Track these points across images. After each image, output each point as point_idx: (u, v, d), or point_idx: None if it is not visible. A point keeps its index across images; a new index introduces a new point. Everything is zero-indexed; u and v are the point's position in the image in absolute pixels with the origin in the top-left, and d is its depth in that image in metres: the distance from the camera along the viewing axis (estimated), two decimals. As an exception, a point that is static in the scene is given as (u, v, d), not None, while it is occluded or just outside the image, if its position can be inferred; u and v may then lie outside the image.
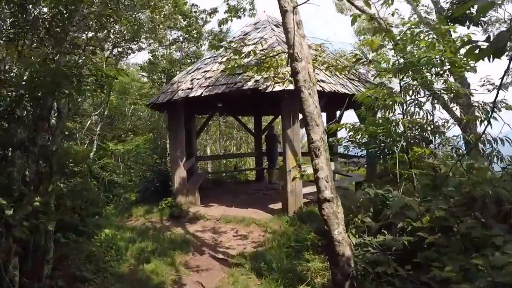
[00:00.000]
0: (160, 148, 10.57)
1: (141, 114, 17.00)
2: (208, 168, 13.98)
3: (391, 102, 4.91)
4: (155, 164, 10.35)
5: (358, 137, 5.57)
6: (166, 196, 8.16)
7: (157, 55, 14.87)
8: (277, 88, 6.16)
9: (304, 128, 4.38)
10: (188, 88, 7.40)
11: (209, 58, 8.77)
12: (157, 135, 13.98)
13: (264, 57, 5.92)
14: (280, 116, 11.78)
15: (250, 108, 12.04)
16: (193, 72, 8.16)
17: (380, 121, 5.26)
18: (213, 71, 7.65)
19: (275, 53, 5.97)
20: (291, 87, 6.01)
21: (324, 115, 9.56)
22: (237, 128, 17.82)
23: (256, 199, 8.87)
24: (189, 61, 13.34)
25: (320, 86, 6.86)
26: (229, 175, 12.32)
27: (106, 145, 10.60)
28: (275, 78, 6.28)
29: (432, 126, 5.19)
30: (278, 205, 7.41)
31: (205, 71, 7.80)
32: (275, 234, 5.97)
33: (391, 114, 5.32)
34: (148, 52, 14.61)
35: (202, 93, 7.00)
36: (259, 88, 6.33)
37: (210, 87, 7.01)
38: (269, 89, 6.23)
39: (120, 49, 12.33)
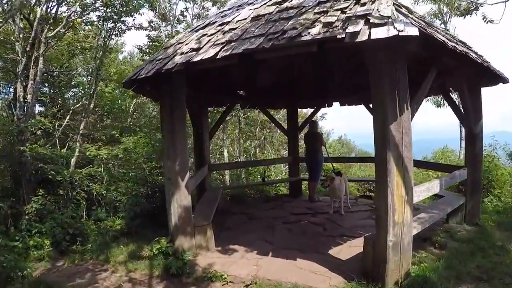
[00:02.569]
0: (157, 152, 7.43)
1: (148, 109, 14.02)
2: (225, 179, 10.81)
3: None
4: (151, 174, 7.22)
5: None
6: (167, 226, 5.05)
7: (161, 35, 11.83)
8: (381, 33, 2.93)
9: None
10: (192, 50, 4.13)
11: (229, 9, 5.52)
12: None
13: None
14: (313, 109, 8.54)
15: (285, 96, 8.79)
16: (202, 28, 4.90)
17: None
18: (237, 21, 4.39)
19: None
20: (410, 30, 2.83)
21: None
22: (261, 125, 14.56)
23: (304, 234, 5.64)
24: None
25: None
26: (253, 188, 9.08)
27: (86, 149, 7.54)
28: (370, 17, 3.09)
29: None
30: (345, 250, 4.40)
31: (222, 24, 4.55)
32: None
33: None
34: (147, 30, 11.62)
35: (217, 53, 3.71)
36: (340, 37, 3.08)
37: (232, 44, 3.75)
38: (365, 37, 2.98)
39: (111, 25, 9.33)
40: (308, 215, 6.73)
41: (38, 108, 9.69)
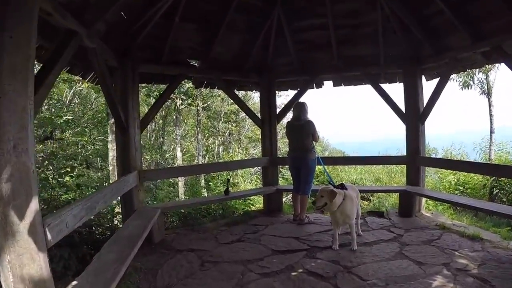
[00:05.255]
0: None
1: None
2: (178, 188, 7.94)
3: None
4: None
5: None
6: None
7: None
8: None
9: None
10: None
11: None
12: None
13: None
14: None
15: (257, 70, 6.13)
16: None
17: None
18: None
19: None
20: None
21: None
22: (226, 118, 11.80)
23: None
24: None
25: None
26: (213, 202, 6.29)
27: None
28: None
29: None
30: None
31: None
32: None
33: None
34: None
35: None
36: None
37: None
38: None
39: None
40: (301, 254, 4.12)
41: None
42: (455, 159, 8.05)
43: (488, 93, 10.36)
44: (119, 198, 4.69)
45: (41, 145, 10.31)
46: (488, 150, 9.07)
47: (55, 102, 13.04)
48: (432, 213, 5.81)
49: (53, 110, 12.11)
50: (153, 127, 16.88)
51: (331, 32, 5.56)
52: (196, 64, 5.82)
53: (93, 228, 4.85)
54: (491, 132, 9.69)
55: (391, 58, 5.67)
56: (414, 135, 5.57)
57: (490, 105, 10.62)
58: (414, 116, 5.53)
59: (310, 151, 5.19)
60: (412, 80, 5.53)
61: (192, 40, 5.55)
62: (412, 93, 5.55)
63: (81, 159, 5.10)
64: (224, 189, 5.72)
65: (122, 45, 4.81)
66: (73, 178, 5.19)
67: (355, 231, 4.24)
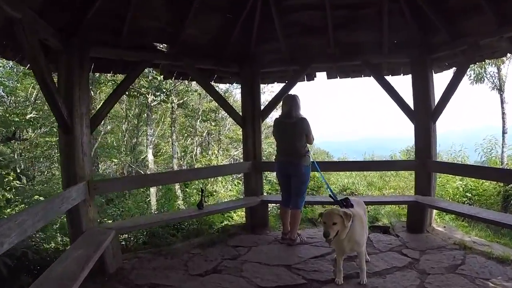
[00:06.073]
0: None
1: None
2: (150, 191, 6.82)
3: None
4: None
5: None
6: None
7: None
8: None
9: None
10: None
11: None
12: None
13: None
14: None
15: (238, 59, 5.16)
16: None
17: None
18: None
19: None
20: None
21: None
22: (204, 117, 10.76)
23: None
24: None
25: None
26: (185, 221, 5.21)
27: None
28: None
29: None
30: None
31: None
32: None
33: None
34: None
35: None
36: None
37: None
38: None
39: None
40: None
41: None
42: (476, 164, 7.17)
43: (500, 89, 9.66)
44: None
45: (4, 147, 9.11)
46: (500, 153, 8.30)
47: (21, 99, 11.72)
48: (444, 226, 4.99)
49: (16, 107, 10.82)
50: (126, 126, 15.64)
51: (327, 13, 4.62)
52: (164, 50, 4.79)
53: (28, 256, 3.77)
54: (504, 132, 8.87)
55: (397, 45, 4.81)
56: (425, 135, 4.73)
57: (502, 102, 9.77)
58: (424, 114, 4.68)
59: (303, 155, 4.24)
60: (423, 71, 4.68)
61: (159, 19, 4.51)
62: (423, 86, 4.70)
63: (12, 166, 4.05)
64: (197, 202, 4.67)
65: (67, 21, 3.75)
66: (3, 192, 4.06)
67: (364, 260, 3.31)
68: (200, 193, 4.71)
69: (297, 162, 4.21)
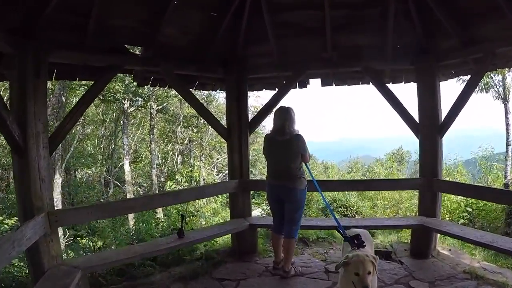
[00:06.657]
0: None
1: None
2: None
3: None
4: None
5: None
6: None
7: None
8: None
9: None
10: None
11: None
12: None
13: None
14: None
15: (223, 63, 4.56)
16: None
17: None
18: None
19: None
20: None
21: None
22: (185, 123, 10.10)
23: None
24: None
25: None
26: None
27: None
28: None
29: None
30: None
31: None
32: None
33: None
34: None
35: None
36: None
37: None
38: None
39: None
40: None
41: None
42: (491, 187, 6.69)
43: (504, 98, 9.33)
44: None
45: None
46: (504, 166, 7.94)
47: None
48: (450, 249, 4.55)
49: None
50: (103, 131, 14.75)
51: (326, 12, 4.08)
52: (138, 53, 4.14)
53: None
54: (507, 144, 8.51)
55: (401, 50, 4.32)
56: (431, 152, 4.26)
57: (506, 112, 9.39)
58: (431, 127, 4.21)
59: (298, 178, 3.67)
60: (430, 80, 4.21)
61: (131, 17, 3.87)
62: (429, 96, 4.23)
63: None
64: (178, 229, 4.03)
65: (19, 20, 3.08)
66: None
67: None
68: (181, 221, 4.06)
69: (292, 187, 3.65)
